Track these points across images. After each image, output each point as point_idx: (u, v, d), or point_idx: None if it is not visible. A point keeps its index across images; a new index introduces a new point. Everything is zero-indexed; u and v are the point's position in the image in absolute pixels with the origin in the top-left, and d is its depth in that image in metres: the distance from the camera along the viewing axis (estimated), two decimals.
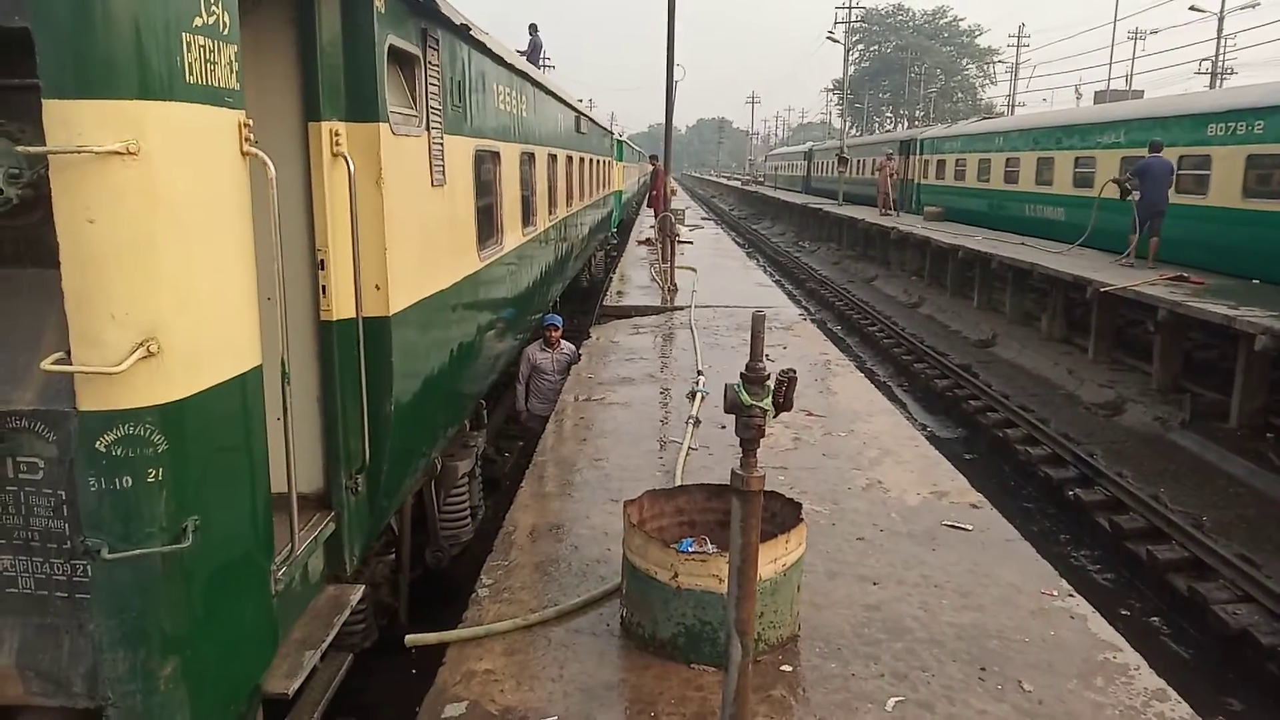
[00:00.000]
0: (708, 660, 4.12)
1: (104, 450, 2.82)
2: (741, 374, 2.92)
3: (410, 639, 4.47)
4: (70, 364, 2.78)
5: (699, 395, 8.54)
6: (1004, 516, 6.04)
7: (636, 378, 9.75)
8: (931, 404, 15.57)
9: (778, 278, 29.41)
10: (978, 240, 20.72)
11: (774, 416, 2.94)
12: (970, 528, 5.75)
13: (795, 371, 2.94)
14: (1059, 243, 19.08)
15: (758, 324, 2.91)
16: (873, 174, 34.28)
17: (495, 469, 8.95)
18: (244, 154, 3.25)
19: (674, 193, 28.28)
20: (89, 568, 2.90)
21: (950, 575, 5.09)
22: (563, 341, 9.95)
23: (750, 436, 2.92)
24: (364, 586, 4.58)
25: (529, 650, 4.30)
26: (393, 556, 5.70)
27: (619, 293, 15.66)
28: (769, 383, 2.93)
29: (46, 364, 2.77)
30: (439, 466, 6.33)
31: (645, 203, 38.78)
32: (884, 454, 7.21)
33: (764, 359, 2.95)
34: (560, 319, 10.22)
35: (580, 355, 10.49)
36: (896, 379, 17.39)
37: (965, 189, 26.96)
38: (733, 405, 2.91)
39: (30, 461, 2.92)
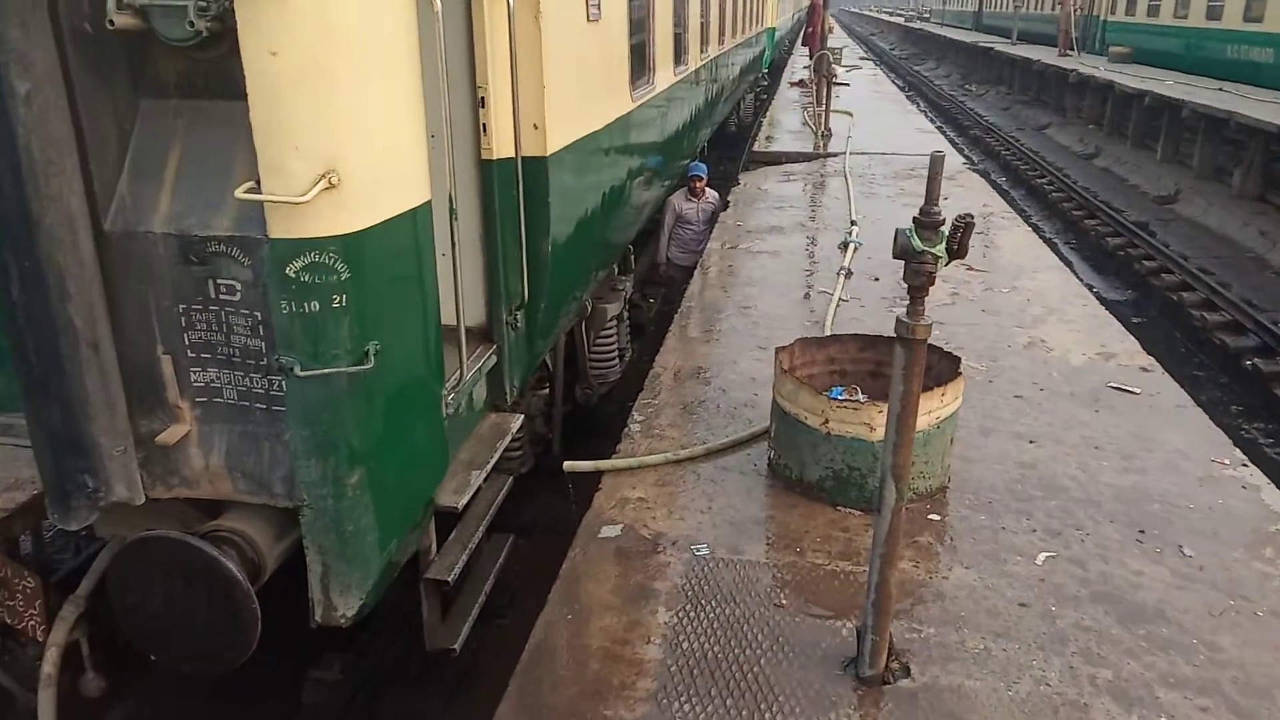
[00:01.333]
0: (854, 504, 4.18)
1: (293, 276, 3.00)
2: (915, 218, 2.80)
3: (568, 465, 4.72)
4: (260, 193, 2.94)
5: (851, 246, 8.31)
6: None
7: (786, 226, 9.55)
8: (1101, 264, 14.61)
9: (940, 124, 27.59)
10: (1169, 85, 18.76)
11: (946, 264, 2.82)
12: (1138, 391, 5.48)
13: (973, 217, 2.79)
14: (1267, 90, 17.03)
15: (936, 165, 2.76)
16: (1053, 9, 31.26)
17: (640, 314, 9.07)
18: None
19: (831, 30, 26.64)
20: (284, 383, 3.15)
21: (1112, 438, 4.91)
22: (708, 190, 9.77)
23: (920, 284, 2.83)
24: (522, 416, 4.82)
25: (679, 483, 4.47)
26: (547, 391, 5.95)
27: (769, 138, 15.17)
28: (943, 229, 2.80)
29: (239, 193, 2.94)
30: (589, 308, 6.46)
31: (800, 41, 36.89)
32: (1048, 312, 6.88)
33: (939, 203, 2.82)
34: (705, 168, 9.98)
35: (726, 204, 10.31)
36: (1064, 235, 16.34)
37: (1158, 27, 24.20)
38: (903, 251, 2.81)
39: (229, 284, 3.14)
